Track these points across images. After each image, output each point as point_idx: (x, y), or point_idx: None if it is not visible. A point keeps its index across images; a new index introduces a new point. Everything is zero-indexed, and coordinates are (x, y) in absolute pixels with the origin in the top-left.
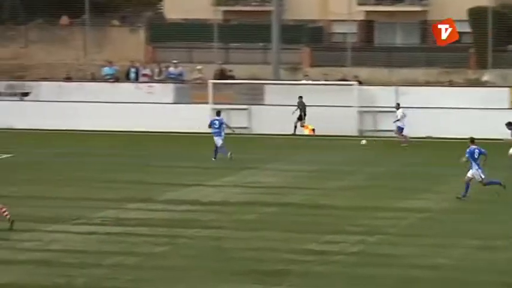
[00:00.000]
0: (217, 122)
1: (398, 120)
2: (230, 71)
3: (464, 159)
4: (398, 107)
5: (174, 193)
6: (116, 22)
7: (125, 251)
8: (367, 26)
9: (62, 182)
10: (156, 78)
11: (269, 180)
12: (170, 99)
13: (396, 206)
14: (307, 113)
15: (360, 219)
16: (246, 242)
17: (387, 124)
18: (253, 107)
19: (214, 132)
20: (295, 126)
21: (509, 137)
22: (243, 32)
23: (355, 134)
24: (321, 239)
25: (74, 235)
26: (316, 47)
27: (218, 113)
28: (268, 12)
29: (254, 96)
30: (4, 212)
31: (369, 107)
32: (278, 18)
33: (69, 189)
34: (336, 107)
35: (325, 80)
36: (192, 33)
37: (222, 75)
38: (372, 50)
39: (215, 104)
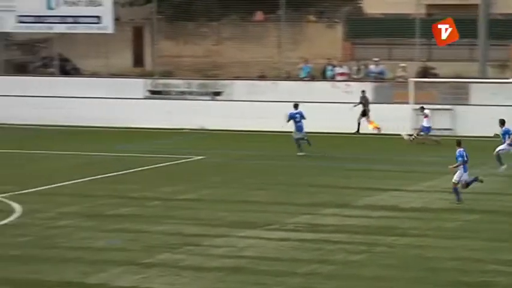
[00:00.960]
0: (298, 116)
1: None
2: (433, 68)
3: (453, 166)
4: (422, 109)
5: (372, 198)
6: (312, 17)
7: (319, 258)
8: None
9: (253, 185)
10: (354, 76)
11: (473, 185)
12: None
13: None
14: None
15: None
16: (449, 251)
17: None
18: (457, 107)
19: (298, 127)
20: (359, 123)
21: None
22: None
23: None
24: None
25: (267, 241)
26: None
27: (296, 105)
28: (475, 6)
29: (459, 95)
30: None
31: None
32: (486, 12)
33: (261, 193)
34: None
35: None
36: (392, 28)
37: (425, 73)
38: None
39: (417, 103)
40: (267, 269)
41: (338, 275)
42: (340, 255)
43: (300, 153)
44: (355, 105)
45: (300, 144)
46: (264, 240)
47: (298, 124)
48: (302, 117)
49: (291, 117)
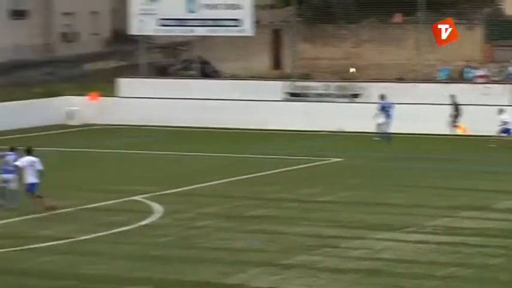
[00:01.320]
0: (386, 105)
1: (506, 123)
2: None
3: None
4: (501, 111)
5: (511, 201)
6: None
7: (457, 262)
8: None
9: (390, 187)
10: (494, 78)
11: None
12: (507, 100)
13: None
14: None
15: None
16: None
17: None
18: None
19: (387, 115)
20: (455, 125)
21: None
22: None
23: None
24: None
25: (404, 244)
26: None
27: (382, 96)
28: None
29: None
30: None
31: None
32: None
33: (398, 195)
34: None
35: None
36: None
37: None
38: None
39: None
40: (404, 272)
41: (476, 278)
42: (478, 259)
43: (376, 139)
44: (456, 111)
45: (386, 135)
46: (402, 243)
47: (388, 113)
48: (390, 106)
49: (382, 107)
